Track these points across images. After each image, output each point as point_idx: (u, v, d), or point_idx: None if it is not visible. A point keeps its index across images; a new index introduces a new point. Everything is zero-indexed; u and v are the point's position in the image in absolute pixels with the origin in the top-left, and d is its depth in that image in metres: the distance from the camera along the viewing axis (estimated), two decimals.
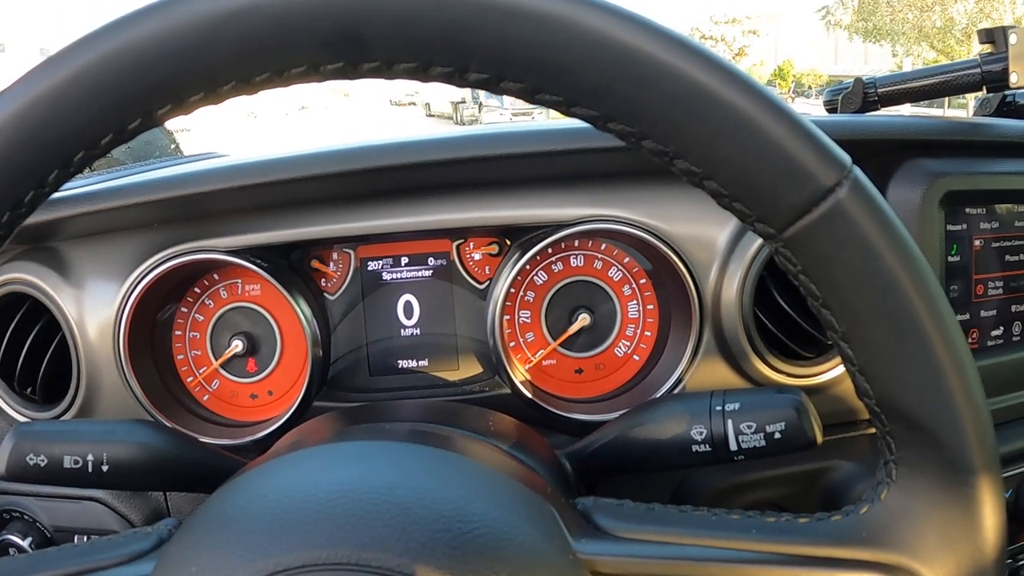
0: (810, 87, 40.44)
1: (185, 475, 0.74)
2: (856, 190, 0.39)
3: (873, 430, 0.46)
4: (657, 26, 0.38)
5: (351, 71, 0.39)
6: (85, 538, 1.02)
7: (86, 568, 0.49)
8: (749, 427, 0.65)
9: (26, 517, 1.03)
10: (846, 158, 0.40)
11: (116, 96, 0.38)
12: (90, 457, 0.68)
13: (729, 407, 0.66)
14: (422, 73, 0.39)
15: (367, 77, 0.40)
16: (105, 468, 0.69)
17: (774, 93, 0.39)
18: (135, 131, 0.39)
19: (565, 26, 0.37)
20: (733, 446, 0.65)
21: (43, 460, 0.68)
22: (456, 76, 0.39)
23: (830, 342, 0.89)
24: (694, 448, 0.67)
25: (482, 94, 21.46)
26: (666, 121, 0.38)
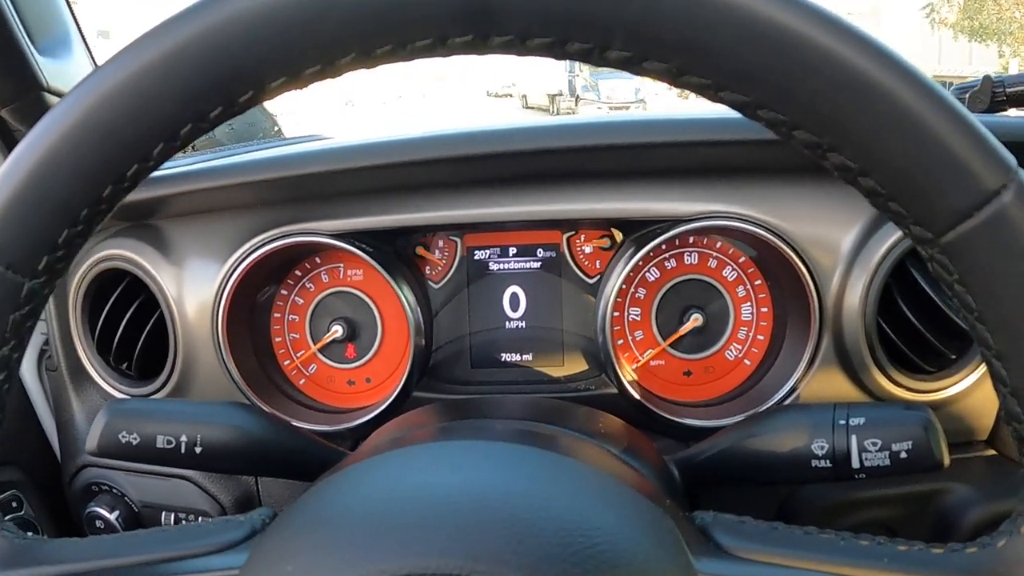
0: None
1: (279, 461, 0.73)
2: (1022, 195, 0.36)
3: (991, 452, 0.41)
4: (818, 7, 0.35)
5: (480, 46, 0.36)
6: (172, 516, 1.04)
7: (177, 555, 0.48)
8: (874, 444, 0.62)
9: (114, 491, 1.05)
10: (1012, 160, 0.36)
11: (228, 67, 0.36)
12: (183, 438, 0.68)
13: (854, 422, 0.63)
14: (558, 49, 0.36)
15: (497, 52, 0.37)
16: (198, 450, 0.68)
17: (940, 86, 0.36)
18: (246, 104, 0.38)
19: (718, 2, 0.34)
20: (856, 463, 0.62)
21: (136, 439, 0.67)
22: (595, 53, 0.36)
23: (954, 356, 0.84)
24: (813, 463, 0.64)
25: (579, 86, 21.42)
26: (823, 111, 0.36)
